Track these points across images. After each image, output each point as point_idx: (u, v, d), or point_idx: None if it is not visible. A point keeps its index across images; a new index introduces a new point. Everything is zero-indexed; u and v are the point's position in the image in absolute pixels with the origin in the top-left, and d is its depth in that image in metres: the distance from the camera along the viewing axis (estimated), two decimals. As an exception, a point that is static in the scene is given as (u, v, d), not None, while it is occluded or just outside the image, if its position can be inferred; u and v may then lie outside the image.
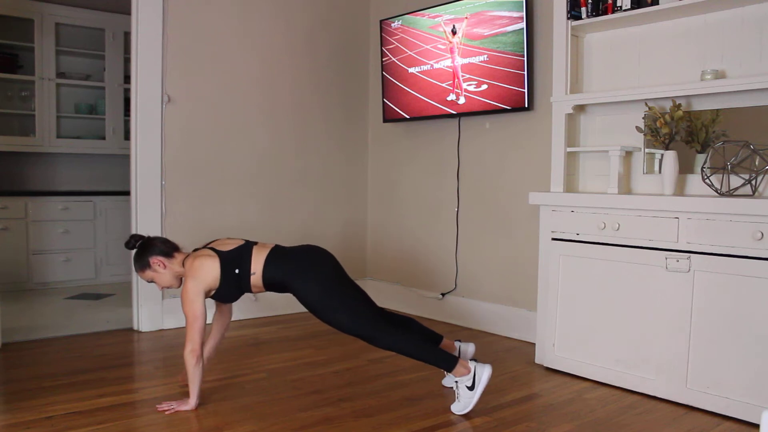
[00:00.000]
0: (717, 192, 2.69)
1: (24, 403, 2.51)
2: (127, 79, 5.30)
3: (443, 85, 3.97)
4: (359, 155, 4.74)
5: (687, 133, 2.87)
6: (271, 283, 2.55)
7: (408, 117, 4.23)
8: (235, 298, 2.63)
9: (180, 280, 2.60)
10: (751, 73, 2.67)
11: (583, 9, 3.11)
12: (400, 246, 4.51)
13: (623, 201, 2.81)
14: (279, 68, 4.28)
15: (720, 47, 2.80)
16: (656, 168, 3.04)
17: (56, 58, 5.31)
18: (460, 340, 2.89)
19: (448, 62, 3.92)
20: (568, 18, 3.14)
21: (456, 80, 3.88)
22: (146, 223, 3.70)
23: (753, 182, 2.62)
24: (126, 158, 4.18)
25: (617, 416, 2.50)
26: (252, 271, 2.52)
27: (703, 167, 2.72)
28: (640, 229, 2.75)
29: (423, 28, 4.06)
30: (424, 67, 4.08)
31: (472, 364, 2.48)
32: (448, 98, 3.94)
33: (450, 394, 2.67)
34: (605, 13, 3.02)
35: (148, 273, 2.58)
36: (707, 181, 2.72)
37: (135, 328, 3.78)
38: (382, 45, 4.36)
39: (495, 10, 3.63)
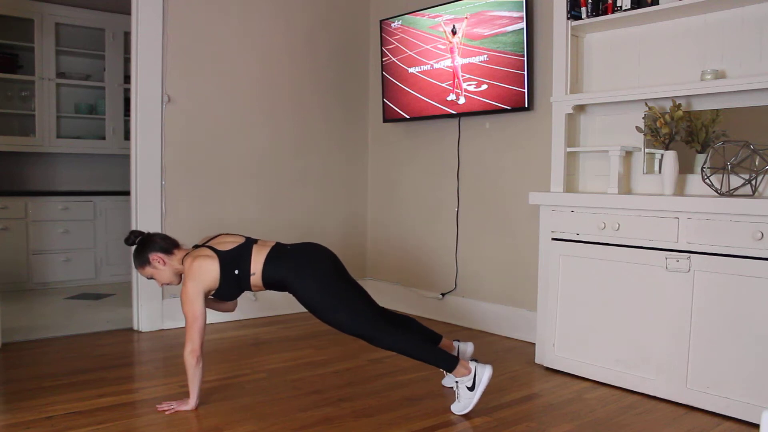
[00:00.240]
0: (717, 192, 2.69)
1: (24, 403, 2.51)
2: (127, 79, 5.30)
3: (443, 85, 3.97)
4: (359, 155, 4.74)
5: (687, 133, 2.87)
6: (270, 283, 2.54)
7: (408, 117, 4.23)
8: (235, 297, 2.63)
9: (180, 276, 2.59)
10: (751, 73, 2.67)
11: (583, 9, 3.11)
12: (400, 246, 4.51)
13: (623, 201, 2.81)
14: (279, 68, 4.28)
15: (720, 47, 2.80)
16: (656, 168, 3.04)
17: (56, 58, 5.31)
18: (459, 340, 2.89)
19: (448, 62, 3.92)
20: (568, 18, 3.14)
21: (456, 80, 3.88)
22: (146, 223, 3.70)
23: (753, 182, 2.62)
24: (126, 158, 4.18)
25: (617, 416, 2.50)
26: (252, 272, 2.52)
27: (703, 167, 2.72)
28: (640, 229, 2.75)
29: (423, 28, 4.06)
30: (424, 67, 4.08)
31: (472, 365, 2.48)
32: (448, 98, 3.94)
33: (450, 394, 2.67)
34: (605, 13, 3.02)
35: (148, 269, 2.57)
36: (707, 181, 2.72)
37: (135, 328, 3.78)
38: (382, 45, 4.36)
39: (495, 10, 3.63)
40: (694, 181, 2.86)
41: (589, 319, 2.94)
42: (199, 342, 2.43)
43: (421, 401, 2.63)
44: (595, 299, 2.92)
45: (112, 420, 2.36)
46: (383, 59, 4.36)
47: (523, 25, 3.48)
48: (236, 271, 2.50)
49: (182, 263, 2.55)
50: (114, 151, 5.61)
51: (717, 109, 2.81)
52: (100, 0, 5.39)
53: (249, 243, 2.58)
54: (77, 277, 5.24)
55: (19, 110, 5.33)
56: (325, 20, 4.49)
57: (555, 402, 2.67)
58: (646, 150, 3.06)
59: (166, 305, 3.81)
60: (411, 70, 4.17)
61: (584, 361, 2.96)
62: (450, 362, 2.49)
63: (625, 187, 3.11)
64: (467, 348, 2.86)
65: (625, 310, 2.81)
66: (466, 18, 3.78)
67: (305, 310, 2.60)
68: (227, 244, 2.56)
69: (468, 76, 3.81)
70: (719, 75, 2.73)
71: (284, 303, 4.09)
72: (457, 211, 4.08)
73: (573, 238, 3.01)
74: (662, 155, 2.85)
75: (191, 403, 2.47)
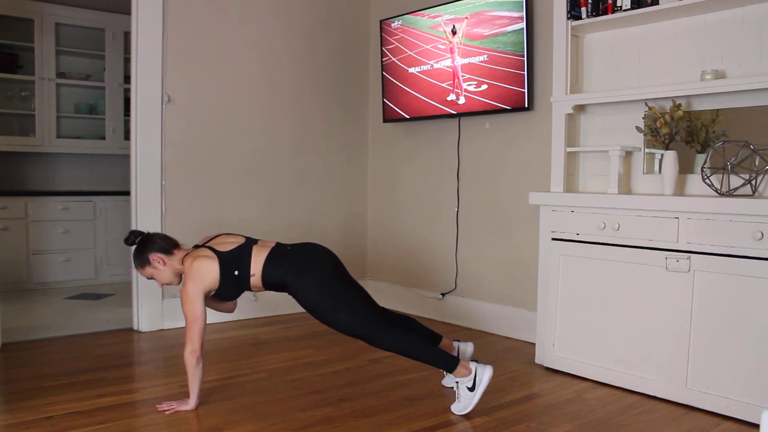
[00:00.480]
0: (717, 192, 2.69)
1: (24, 403, 2.51)
2: (127, 79, 5.30)
3: (443, 85, 3.97)
4: (359, 155, 4.74)
5: (687, 133, 2.87)
6: (270, 284, 2.54)
7: (408, 117, 4.23)
8: (235, 297, 2.62)
9: (180, 277, 2.58)
10: (751, 73, 2.67)
11: (583, 9, 3.11)
12: (400, 246, 4.51)
13: (623, 201, 2.81)
14: (279, 68, 4.28)
15: (720, 47, 2.80)
16: (656, 168, 3.04)
17: (56, 58, 5.31)
18: (458, 340, 2.89)
19: (448, 62, 3.92)
20: (568, 18, 3.14)
21: (456, 80, 3.88)
22: (146, 223, 3.70)
23: (753, 182, 2.62)
24: (126, 158, 4.17)
25: (617, 416, 2.50)
26: (251, 273, 2.51)
27: (703, 167, 2.72)
28: (640, 229, 2.75)
29: (423, 28, 4.06)
30: (424, 67, 4.08)
31: (473, 365, 2.48)
32: (448, 98, 3.94)
33: (450, 394, 2.67)
34: (605, 13, 3.02)
35: (148, 270, 2.57)
36: (707, 181, 2.72)
37: (135, 328, 3.78)
38: (382, 45, 4.36)
39: (495, 10, 3.63)
40: (694, 181, 2.86)
41: (589, 319, 2.94)
42: (199, 342, 2.43)
43: (421, 401, 2.63)
44: (595, 299, 2.92)
45: (112, 420, 2.36)
46: (383, 59, 4.36)
47: (523, 25, 3.48)
48: (236, 272, 2.50)
49: (182, 263, 2.54)
50: (114, 151, 5.61)
51: (717, 109, 2.81)
52: (100, 0, 5.39)
53: (249, 243, 2.58)
54: (77, 277, 5.24)
55: (19, 110, 5.33)
56: (325, 20, 4.49)
57: (555, 402, 2.67)
58: (646, 150, 3.06)
59: (166, 305, 3.81)
60: (411, 70, 4.17)
61: (584, 361, 2.96)
62: (450, 363, 2.48)
63: (625, 187, 3.11)
64: (467, 348, 2.86)
65: (625, 310, 2.81)
66: (466, 18, 3.78)
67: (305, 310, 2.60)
68: (227, 245, 2.55)
69: (468, 76, 3.81)
70: (719, 75, 2.73)
71: (284, 303, 4.08)
72: (457, 211, 4.08)
73: (573, 238, 3.01)
74: (662, 155, 2.85)
75: (191, 403, 2.47)
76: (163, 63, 3.77)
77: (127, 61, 5.35)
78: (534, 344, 3.34)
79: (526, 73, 3.51)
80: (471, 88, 3.80)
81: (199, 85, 3.93)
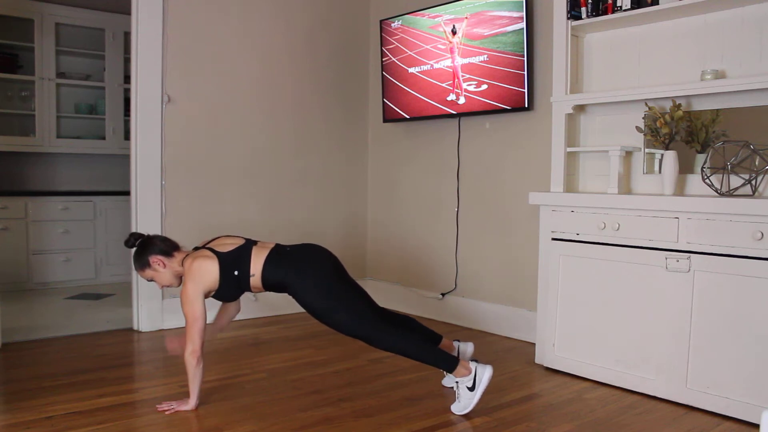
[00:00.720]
0: (717, 192, 2.69)
1: (24, 403, 2.51)
2: (127, 79, 5.30)
3: (443, 85, 3.97)
4: (359, 155, 4.74)
5: (687, 133, 2.87)
6: (270, 285, 2.54)
7: (408, 117, 4.23)
8: (236, 298, 2.63)
9: (180, 279, 2.59)
10: (751, 73, 2.67)
11: (583, 9, 3.11)
12: (400, 246, 4.51)
13: (623, 201, 2.81)
14: (279, 68, 4.28)
15: (720, 47, 2.80)
16: (656, 168, 3.04)
17: (56, 58, 5.31)
18: (459, 340, 2.89)
19: (448, 62, 3.93)
20: (568, 18, 3.14)
21: (456, 80, 3.88)
22: (146, 223, 3.70)
23: (753, 182, 2.62)
24: (126, 158, 4.17)
25: (617, 416, 2.50)
26: (251, 273, 2.51)
27: (703, 167, 2.72)
28: (640, 229, 2.75)
29: (423, 28, 4.06)
30: (424, 67, 4.08)
31: (473, 365, 2.48)
32: (448, 98, 3.94)
33: (450, 394, 2.67)
34: (605, 13, 3.02)
35: (148, 272, 2.57)
36: (707, 181, 2.72)
37: (135, 328, 3.78)
38: (382, 45, 4.36)
39: (495, 10, 3.63)
40: (694, 181, 2.86)
41: (589, 319, 2.94)
42: (199, 342, 2.43)
43: (421, 401, 2.63)
44: (595, 299, 2.92)
45: (112, 420, 2.36)
46: (383, 59, 4.36)
47: (523, 25, 3.48)
48: (236, 272, 2.50)
49: (182, 265, 2.55)
50: (114, 151, 5.61)
51: (717, 109, 2.81)
52: (100, 0, 5.39)
53: (249, 244, 2.58)
54: (77, 277, 5.24)
55: (19, 110, 5.33)
56: (325, 20, 4.49)
57: (555, 402, 2.67)
58: (646, 150, 3.06)
59: (166, 305, 3.81)
60: (411, 70, 4.17)
61: (584, 361, 2.96)
62: (450, 362, 2.49)
63: (625, 187, 3.11)
64: (467, 348, 2.86)
65: (625, 310, 2.81)
66: (466, 18, 3.78)
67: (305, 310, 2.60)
68: (227, 246, 2.56)
69: (468, 76, 3.81)
70: (719, 75, 2.73)
71: (284, 303, 4.08)
72: (457, 211, 4.08)
73: (573, 238, 3.01)
74: (662, 155, 2.85)
75: (191, 403, 2.48)
76: (163, 63, 3.77)
77: (127, 61, 5.35)
78: (534, 344, 3.34)
79: (526, 73, 3.51)
80: (471, 88, 3.80)
81: (199, 85, 3.94)
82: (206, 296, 2.51)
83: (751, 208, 2.38)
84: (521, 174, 3.70)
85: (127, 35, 5.19)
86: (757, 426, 2.35)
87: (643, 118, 3.00)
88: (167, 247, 2.58)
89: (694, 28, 2.88)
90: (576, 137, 3.29)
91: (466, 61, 3.81)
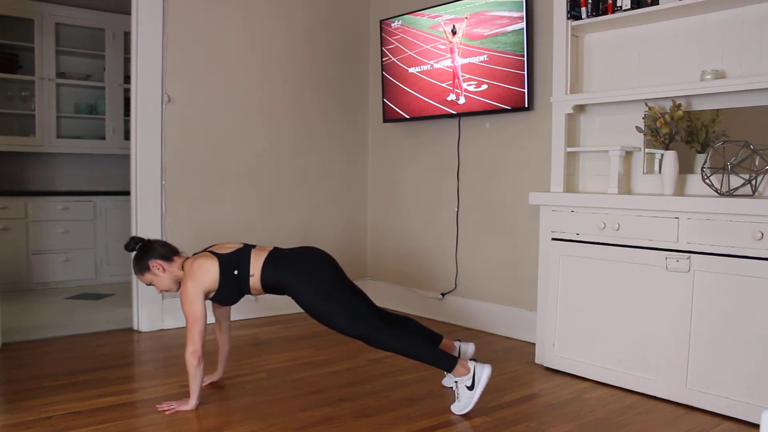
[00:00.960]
0: (717, 192, 2.69)
1: (24, 403, 2.51)
2: (127, 79, 5.30)
3: (443, 85, 3.97)
4: (359, 155, 4.74)
5: (687, 133, 2.87)
6: (269, 286, 2.55)
7: (408, 117, 4.23)
8: (235, 301, 2.63)
9: (179, 283, 2.59)
10: (751, 73, 2.67)
11: (583, 9, 3.11)
12: (400, 246, 4.51)
13: (623, 201, 2.81)
14: (279, 68, 4.28)
15: (720, 47, 2.80)
16: (656, 168, 3.04)
17: (56, 58, 5.31)
18: (459, 340, 2.89)
19: (448, 62, 3.93)
20: (568, 18, 3.14)
21: (456, 80, 3.88)
22: (146, 223, 3.70)
23: (753, 182, 2.62)
24: (126, 158, 4.18)
25: (617, 416, 2.50)
26: (251, 273, 2.52)
27: (703, 167, 2.72)
28: (640, 229, 2.75)
29: (423, 28, 4.06)
30: (424, 67, 4.08)
31: (471, 364, 2.48)
32: (448, 98, 3.94)
33: (450, 394, 2.67)
34: (605, 13, 3.02)
35: (148, 276, 2.58)
36: (707, 181, 2.72)
37: (135, 328, 3.78)
38: (382, 45, 4.36)
39: (495, 10, 3.63)
40: (694, 181, 2.86)
41: (589, 319, 2.94)
42: (200, 343, 2.43)
43: (421, 401, 2.63)
44: (595, 299, 2.92)
45: (112, 420, 2.36)
46: (383, 59, 4.36)
47: (523, 25, 3.48)
48: (235, 272, 2.51)
49: (182, 269, 2.56)
50: (114, 151, 5.61)
51: (717, 109, 2.81)
52: (100, 0, 5.39)
53: (247, 248, 2.60)
54: (77, 277, 5.24)
55: (19, 110, 5.33)
56: (325, 20, 4.49)
57: (555, 402, 2.67)
58: (646, 150, 3.06)
59: (166, 305, 3.81)
60: (411, 70, 4.17)
61: (584, 361, 2.96)
62: (449, 362, 2.49)
63: (625, 187, 3.11)
64: (468, 348, 2.86)
65: (625, 310, 2.81)
66: (466, 18, 3.78)
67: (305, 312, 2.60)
68: (226, 249, 2.59)
69: (468, 76, 3.81)
70: (719, 75, 2.73)
71: (284, 303, 4.08)
72: (457, 211, 4.08)
73: (573, 238, 3.01)
74: (662, 155, 2.85)
75: (191, 403, 2.48)
76: (163, 63, 3.77)
77: (127, 61, 5.35)
78: (534, 344, 3.34)
79: (526, 73, 3.51)
80: (471, 88, 3.80)
81: (199, 85, 3.93)
82: (206, 297, 2.51)
83: (751, 208, 2.38)
84: (521, 174, 3.69)
85: (127, 35, 5.20)
86: (757, 426, 2.35)
87: (643, 118, 3.00)
88: (167, 251, 2.59)
89: (694, 28, 2.88)
90: (576, 137, 3.29)
91: (466, 61, 3.81)
